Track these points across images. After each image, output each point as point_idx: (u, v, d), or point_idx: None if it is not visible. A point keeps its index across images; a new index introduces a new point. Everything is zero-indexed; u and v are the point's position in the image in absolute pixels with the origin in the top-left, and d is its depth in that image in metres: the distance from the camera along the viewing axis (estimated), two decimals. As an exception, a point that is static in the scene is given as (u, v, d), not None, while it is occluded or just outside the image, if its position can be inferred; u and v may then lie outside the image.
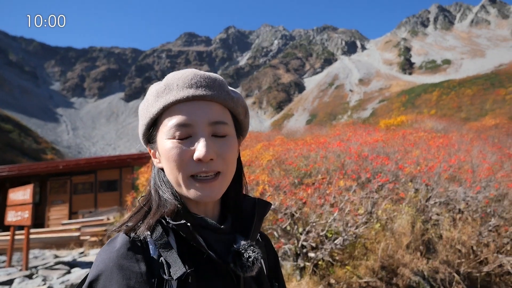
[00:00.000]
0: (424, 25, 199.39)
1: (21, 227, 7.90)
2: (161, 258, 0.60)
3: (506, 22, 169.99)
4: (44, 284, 4.99)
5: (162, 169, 0.71)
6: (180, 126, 0.63)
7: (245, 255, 0.65)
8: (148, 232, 0.63)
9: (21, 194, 6.57)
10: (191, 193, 0.64)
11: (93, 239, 8.86)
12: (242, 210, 0.75)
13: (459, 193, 4.83)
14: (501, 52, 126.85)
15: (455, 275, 3.65)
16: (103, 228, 9.17)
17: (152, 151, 0.72)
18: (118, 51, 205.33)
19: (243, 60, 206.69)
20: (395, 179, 5.59)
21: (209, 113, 0.65)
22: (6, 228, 10.33)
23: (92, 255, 7.47)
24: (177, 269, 0.59)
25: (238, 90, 0.73)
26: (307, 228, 4.11)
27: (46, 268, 6.05)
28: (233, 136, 0.69)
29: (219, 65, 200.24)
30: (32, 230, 8.72)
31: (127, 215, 0.71)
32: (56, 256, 7.74)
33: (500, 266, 3.71)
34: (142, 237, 0.62)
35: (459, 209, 4.72)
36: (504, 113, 52.23)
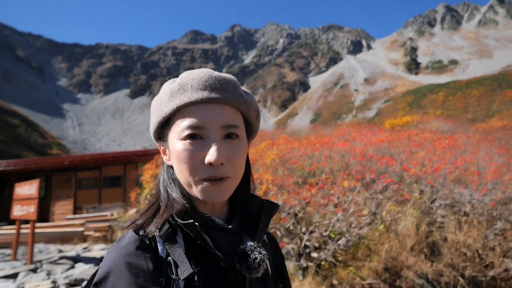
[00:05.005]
0: (431, 25, 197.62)
1: (26, 221, 7.98)
2: (169, 258, 0.61)
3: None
4: (48, 278, 5.03)
5: (171, 166, 0.71)
6: (192, 128, 0.63)
7: (251, 256, 0.65)
8: (157, 231, 0.63)
9: (27, 189, 6.63)
10: (199, 194, 0.65)
11: (97, 234, 8.92)
12: (249, 210, 0.76)
13: (465, 196, 4.78)
14: (509, 53, 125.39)
15: (460, 278, 3.62)
16: (107, 223, 9.24)
17: (162, 148, 0.73)
18: (124, 48, 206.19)
19: (248, 58, 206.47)
20: (399, 180, 5.55)
21: (222, 116, 0.65)
22: (12, 222, 10.45)
23: (95, 250, 7.52)
24: (185, 269, 0.59)
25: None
26: (310, 228, 4.09)
27: (50, 262, 6.11)
28: (244, 139, 0.69)
29: (224, 63, 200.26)
30: (37, 225, 8.80)
31: (137, 213, 0.71)
32: (60, 251, 7.80)
33: (506, 270, 3.66)
34: (150, 236, 0.63)
35: (465, 212, 4.68)
36: (511, 114, 51.66)
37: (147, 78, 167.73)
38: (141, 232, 0.63)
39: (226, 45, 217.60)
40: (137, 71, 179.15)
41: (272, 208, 0.76)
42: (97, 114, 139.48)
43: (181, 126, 0.64)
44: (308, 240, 4.07)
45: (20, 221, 6.91)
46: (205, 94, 0.64)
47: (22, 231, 7.48)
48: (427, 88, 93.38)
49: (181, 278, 0.58)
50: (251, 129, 0.75)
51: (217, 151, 0.62)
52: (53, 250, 8.01)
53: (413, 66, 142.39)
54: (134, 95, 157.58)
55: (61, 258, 6.49)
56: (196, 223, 0.61)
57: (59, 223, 11.24)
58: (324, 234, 4.05)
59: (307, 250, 4.05)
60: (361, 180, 5.34)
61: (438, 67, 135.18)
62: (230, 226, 0.70)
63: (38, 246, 8.55)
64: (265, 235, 0.81)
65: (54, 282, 4.74)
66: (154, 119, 0.69)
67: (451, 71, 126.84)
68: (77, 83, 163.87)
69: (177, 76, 0.71)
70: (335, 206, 4.49)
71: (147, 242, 0.62)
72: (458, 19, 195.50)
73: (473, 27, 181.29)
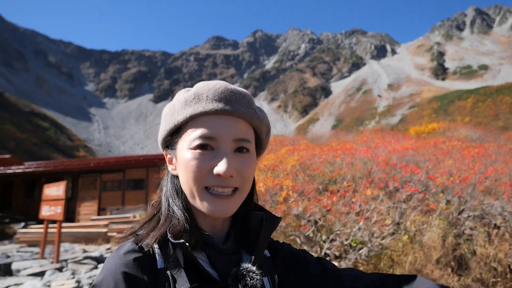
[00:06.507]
0: (460, 28, 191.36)
1: (54, 221, 8.29)
2: (168, 272, 0.60)
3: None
4: (73, 277, 5.20)
5: (176, 176, 0.70)
6: (204, 138, 0.62)
7: (242, 282, 0.63)
8: (156, 244, 0.63)
9: (55, 190, 6.91)
10: (204, 206, 0.63)
11: (120, 235, 9.14)
12: (249, 225, 0.74)
13: (496, 207, 4.55)
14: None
15: (490, 295, 3.43)
16: (129, 225, 9.45)
17: (169, 156, 0.72)
18: (149, 54, 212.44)
19: (270, 63, 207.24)
20: (425, 189, 5.35)
21: (235, 129, 0.64)
22: (41, 221, 10.90)
23: (118, 251, 7.70)
24: (182, 284, 0.59)
25: (263, 94, 0.72)
26: (331, 236, 4.02)
27: (75, 262, 6.31)
28: (254, 154, 0.69)
29: (245, 68, 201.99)
30: (63, 224, 9.13)
31: (138, 222, 0.71)
32: (85, 251, 8.05)
33: (541, 288, 3.44)
34: (149, 248, 0.63)
35: (495, 224, 4.44)
36: (546, 122, 48.83)
37: (170, 83, 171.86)
38: (140, 243, 0.63)
39: (248, 50, 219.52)
40: (161, 76, 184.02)
41: (273, 222, 0.74)
42: (121, 118, 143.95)
43: (192, 135, 0.63)
44: (329, 248, 3.99)
45: (48, 220, 7.20)
46: (219, 105, 0.63)
47: (50, 230, 7.79)
48: (455, 94, 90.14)
49: None
50: (260, 145, 0.74)
51: (227, 163, 0.61)
52: (78, 250, 8.28)
53: (440, 71, 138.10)
54: (157, 100, 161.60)
55: (85, 258, 6.69)
56: (187, 244, 0.60)
57: (84, 223, 11.62)
58: (345, 243, 3.96)
59: (327, 259, 3.97)
60: (384, 189, 5.20)
61: (467, 72, 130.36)
62: (224, 246, 0.69)
63: (64, 246, 8.86)
64: (267, 249, 0.78)
65: (78, 281, 4.89)
66: (165, 126, 0.69)
67: (480, 77, 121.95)
68: (104, 88, 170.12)
69: (198, 81, 0.71)
70: (357, 214, 4.39)
71: (146, 254, 0.61)
72: (489, 23, 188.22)
73: (505, 31, 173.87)
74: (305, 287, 0.72)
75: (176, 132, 0.68)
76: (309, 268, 0.74)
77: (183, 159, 0.64)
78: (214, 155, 0.63)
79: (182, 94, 0.68)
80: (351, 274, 0.71)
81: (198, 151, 0.63)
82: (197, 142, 0.63)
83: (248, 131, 0.67)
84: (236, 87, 0.68)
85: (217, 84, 0.66)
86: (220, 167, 0.61)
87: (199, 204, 0.64)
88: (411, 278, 0.65)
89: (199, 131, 0.63)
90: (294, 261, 0.76)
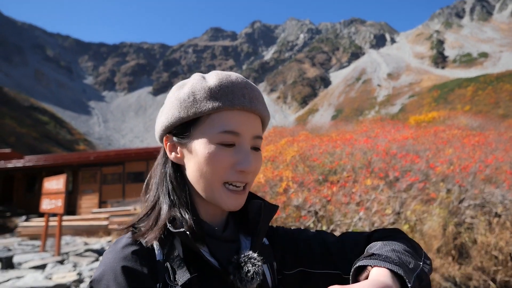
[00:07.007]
0: (460, 16, 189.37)
1: (55, 214, 8.32)
2: (167, 263, 0.60)
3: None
4: (74, 270, 5.22)
5: (178, 165, 0.69)
6: (230, 133, 0.63)
7: (244, 269, 0.62)
8: (156, 238, 0.62)
9: (55, 183, 6.90)
10: (222, 201, 0.64)
11: (120, 227, 9.19)
12: (247, 214, 0.74)
13: (496, 196, 4.54)
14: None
15: (491, 283, 3.43)
16: (130, 218, 9.49)
17: (169, 143, 0.69)
18: (147, 46, 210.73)
19: (269, 54, 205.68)
20: (425, 179, 5.34)
21: (255, 126, 0.67)
22: (42, 214, 10.94)
23: (119, 244, 7.74)
24: (182, 275, 0.58)
25: (263, 85, 0.71)
26: (332, 227, 4.01)
27: (76, 254, 6.34)
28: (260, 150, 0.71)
29: (244, 59, 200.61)
30: (64, 217, 9.16)
31: (136, 215, 0.70)
32: (86, 243, 8.09)
33: (542, 275, 3.44)
34: (149, 241, 0.61)
35: (496, 213, 4.44)
36: (547, 110, 48.66)
37: (169, 75, 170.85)
38: (140, 239, 0.61)
39: (246, 41, 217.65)
40: (159, 69, 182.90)
41: (271, 210, 0.74)
42: (121, 111, 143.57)
43: (217, 129, 0.63)
44: (329, 239, 3.98)
45: (49, 214, 7.21)
46: (245, 101, 0.64)
47: (51, 223, 7.80)
48: (455, 82, 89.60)
49: (179, 284, 0.57)
50: None
51: (251, 160, 0.64)
52: (79, 242, 8.32)
53: (440, 59, 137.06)
54: (156, 92, 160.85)
55: (86, 250, 6.72)
56: (188, 232, 0.60)
57: (85, 216, 11.66)
58: (346, 233, 3.96)
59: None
60: (384, 178, 5.19)
61: (467, 60, 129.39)
62: (224, 234, 0.69)
63: (65, 238, 8.90)
64: (265, 237, 0.77)
65: (79, 274, 4.91)
66: (179, 113, 0.65)
67: (480, 65, 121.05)
68: (102, 81, 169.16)
69: (200, 73, 0.70)
70: (357, 204, 4.38)
71: (144, 246, 0.60)
72: (489, 10, 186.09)
73: (505, 18, 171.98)
74: (308, 264, 0.72)
75: (193, 121, 0.65)
76: (311, 244, 0.74)
77: (203, 151, 0.63)
78: (236, 150, 0.64)
79: (201, 82, 0.65)
80: (352, 241, 0.71)
81: (222, 145, 0.63)
82: (222, 136, 0.63)
83: (261, 128, 0.70)
84: (252, 83, 0.69)
85: (238, 78, 0.67)
86: (246, 164, 0.63)
87: (216, 197, 0.65)
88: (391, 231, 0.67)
89: (225, 126, 0.63)
90: (293, 242, 0.76)
